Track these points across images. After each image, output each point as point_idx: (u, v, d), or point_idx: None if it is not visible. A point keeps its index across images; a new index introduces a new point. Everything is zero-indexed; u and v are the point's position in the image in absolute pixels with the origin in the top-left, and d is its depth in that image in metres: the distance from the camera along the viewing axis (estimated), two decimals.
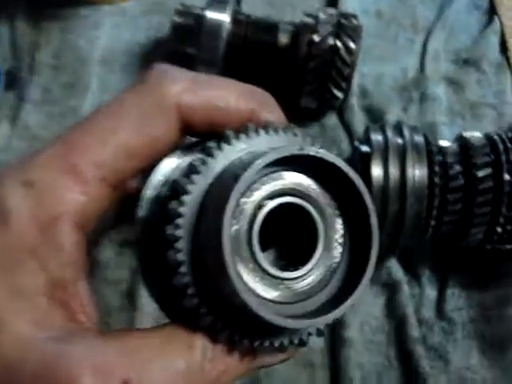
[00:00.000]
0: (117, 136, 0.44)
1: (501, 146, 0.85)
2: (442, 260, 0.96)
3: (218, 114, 0.46)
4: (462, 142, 0.87)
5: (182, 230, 0.41)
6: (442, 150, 0.87)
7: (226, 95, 0.47)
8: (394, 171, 0.83)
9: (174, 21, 0.98)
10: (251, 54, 0.99)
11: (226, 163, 0.43)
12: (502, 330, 0.91)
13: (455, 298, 0.93)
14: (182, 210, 0.41)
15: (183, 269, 0.41)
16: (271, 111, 0.49)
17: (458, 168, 0.85)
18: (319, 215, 0.44)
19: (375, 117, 1.05)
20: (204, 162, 0.42)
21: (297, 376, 0.88)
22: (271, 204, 0.42)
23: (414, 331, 0.90)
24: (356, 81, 1.07)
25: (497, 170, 0.83)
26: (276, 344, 0.44)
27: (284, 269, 0.43)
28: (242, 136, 0.44)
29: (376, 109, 1.07)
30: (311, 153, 0.41)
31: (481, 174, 0.83)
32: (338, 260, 0.45)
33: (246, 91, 0.48)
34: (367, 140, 0.87)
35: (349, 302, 0.41)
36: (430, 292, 0.94)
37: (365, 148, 0.87)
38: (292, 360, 0.87)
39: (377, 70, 1.11)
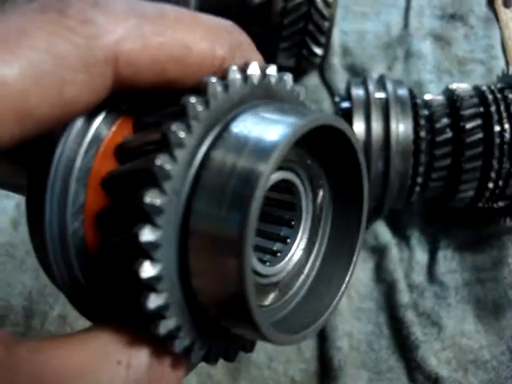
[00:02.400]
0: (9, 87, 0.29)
1: (490, 97, 0.80)
2: (432, 221, 0.92)
3: (171, 68, 0.34)
4: (449, 94, 0.83)
5: (161, 232, 0.31)
6: (428, 103, 0.82)
7: (184, 40, 0.34)
8: (376, 126, 0.78)
9: None
10: (225, 10, 0.94)
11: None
12: (497, 293, 0.87)
13: (447, 261, 0.89)
14: (163, 202, 0.30)
15: (161, 286, 0.31)
16: (247, 55, 0.37)
17: (445, 121, 0.80)
18: (303, 186, 0.38)
19: (358, 76, 1.01)
20: (188, 128, 0.31)
21: (283, 348, 0.84)
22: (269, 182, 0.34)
23: (405, 297, 0.85)
24: (337, 39, 1.03)
25: (486, 121, 0.79)
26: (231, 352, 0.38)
27: (265, 258, 0.37)
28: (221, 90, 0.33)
29: (359, 68, 1.03)
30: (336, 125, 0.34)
31: (469, 125, 0.79)
32: (317, 246, 0.39)
33: (212, 31, 0.35)
34: (348, 95, 0.83)
35: (319, 323, 0.36)
36: (421, 255, 0.90)
37: (345, 103, 0.82)
38: None
39: (359, 28, 1.07)
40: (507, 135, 0.78)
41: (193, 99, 0.31)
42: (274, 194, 0.38)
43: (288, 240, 0.38)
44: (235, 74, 0.33)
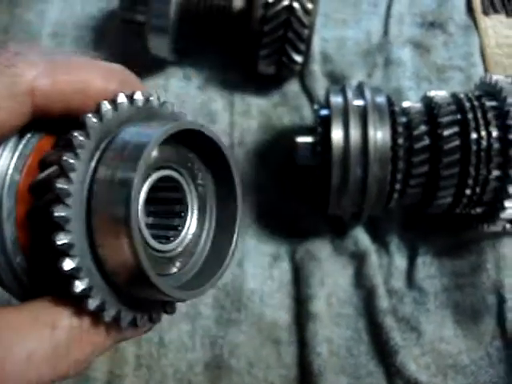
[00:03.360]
0: None
1: (467, 104, 0.81)
2: (411, 227, 0.92)
3: (76, 99, 0.44)
4: (427, 102, 0.84)
5: (71, 210, 0.39)
6: (405, 111, 0.83)
7: (84, 78, 0.44)
8: (354, 134, 0.79)
9: None
10: (205, 19, 0.94)
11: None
12: (476, 299, 0.88)
13: (426, 267, 0.90)
14: (70, 188, 0.39)
15: (74, 252, 0.39)
16: (133, 88, 0.46)
17: (422, 128, 0.81)
18: (187, 183, 0.46)
19: (338, 83, 1.01)
20: (87, 135, 0.41)
21: (263, 353, 0.84)
22: (151, 178, 0.43)
23: (384, 302, 0.86)
24: (317, 46, 1.04)
25: (464, 128, 0.80)
26: (144, 319, 0.45)
27: (162, 241, 0.44)
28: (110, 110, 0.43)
29: (339, 75, 1.03)
30: (194, 127, 0.43)
31: (446, 132, 0.79)
32: (207, 227, 0.48)
33: (106, 71, 0.46)
34: (327, 103, 0.83)
35: (212, 281, 0.44)
36: (400, 261, 0.90)
37: (324, 111, 0.83)
38: (258, 337, 0.85)
39: (339, 35, 1.07)
40: (484, 142, 0.79)
41: (88, 117, 0.41)
42: (164, 194, 0.47)
43: (179, 227, 0.47)
44: (123, 99, 0.43)
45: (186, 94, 1.01)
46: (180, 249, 0.46)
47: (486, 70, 1.06)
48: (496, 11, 1.11)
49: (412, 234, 0.92)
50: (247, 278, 0.88)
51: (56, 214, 0.38)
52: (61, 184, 0.39)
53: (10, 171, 0.43)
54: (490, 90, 0.83)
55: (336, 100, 0.82)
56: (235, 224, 0.47)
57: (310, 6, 0.89)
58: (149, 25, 0.92)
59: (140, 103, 0.44)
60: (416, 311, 0.87)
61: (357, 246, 0.90)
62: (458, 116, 0.80)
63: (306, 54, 0.94)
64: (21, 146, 0.43)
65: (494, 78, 0.83)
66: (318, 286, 0.87)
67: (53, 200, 0.39)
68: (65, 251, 0.39)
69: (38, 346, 0.39)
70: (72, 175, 0.39)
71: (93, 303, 0.40)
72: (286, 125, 0.99)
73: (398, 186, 0.80)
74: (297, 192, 0.93)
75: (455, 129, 0.79)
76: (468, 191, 0.80)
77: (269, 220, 0.92)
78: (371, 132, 0.78)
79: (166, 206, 0.48)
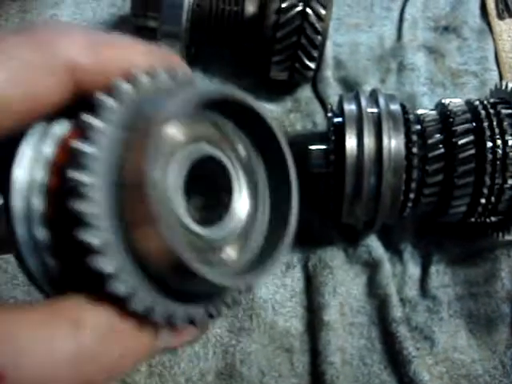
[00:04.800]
0: None
1: (482, 112, 0.80)
2: (425, 236, 0.91)
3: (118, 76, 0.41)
4: (442, 109, 0.83)
5: (95, 176, 0.34)
6: (420, 119, 0.82)
7: (127, 55, 0.42)
8: (368, 142, 0.78)
9: None
10: (217, 25, 0.93)
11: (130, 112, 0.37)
12: (490, 308, 0.87)
13: (440, 275, 0.89)
14: (94, 152, 0.35)
15: (108, 251, 0.34)
16: (176, 63, 0.44)
17: (437, 137, 0.80)
18: (233, 165, 0.41)
19: (351, 89, 1.01)
20: (101, 116, 0.36)
21: (275, 362, 0.84)
22: (191, 157, 0.38)
23: (397, 311, 0.85)
24: (330, 52, 1.03)
25: (479, 137, 0.79)
26: (197, 317, 0.39)
27: (201, 223, 0.38)
28: (146, 78, 0.39)
29: (352, 80, 1.02)
30: (235, 96, 0.38)
31: (461, 141, 0.78)
32: (258, 215, 0.41)
33: (148, 50, 0.43)
34: (340, 110, 0.82)
35: (270, 263, 0.38)
36: (413, 269, 0.89)
37: (338, 119, 0.82)
38: (270, 346, 0.84)
39: (352, 40, 1.07)
40: (499, 151, 0.78)
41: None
42: (204, 172, 0.41)
43: (225, 209, 0.41)
44: (158, 72, 0.40)
45: None
46: (229, 233, 0.40)
47: (500, 74, 1.05)
48: (511, 15, 1.10)
49: (425, 243, 0.91)
50: (259, 287, 0.88)
51: (78, 209, 0.34)
52: (77, 173, 0.34)
53: (44, 149, 0.38)
54: (506, 98, 0.82)
55: (350, 108, 0.81)
56: (290, 201, 0.41)
57: (323, 11, 0.88)
58: (161, 31, 0.91)
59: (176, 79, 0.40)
60: (429, 320, 0.87)
61: (370, 255, 0.89)
62: (474, 124, 0.80)
63: (319, 60, 0.93)
64: (54, 124, 0.39)
65: (510, 85, 0.82)
66: (331, 294, 0.86)
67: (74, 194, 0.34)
68: (98, 250, 0.34)
69: (58, 346, 0.34)
70: (92, 164, 0.35)
71: (139, 304, 0.35)
72: (299, 131, 0.98)
73: (412, 195, 0.80)
74: (309, 200, 0.92)
75: (470, 137, 0.79)
76: (483, 200, 0.80)
77: None
78: (385, 140, 0.77)
79: (211, 185, 0.42)
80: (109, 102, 0.37)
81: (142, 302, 0.35)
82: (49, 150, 0.38)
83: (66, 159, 0.36)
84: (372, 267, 0.89)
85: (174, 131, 0.38)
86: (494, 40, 1.08)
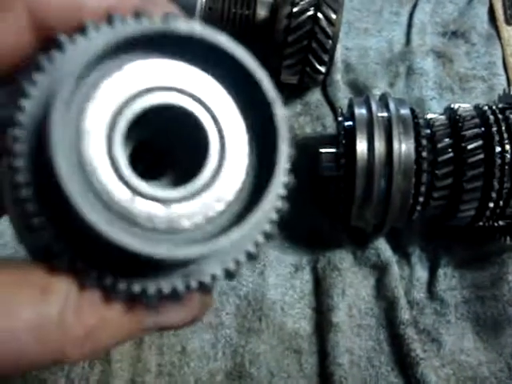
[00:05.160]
0: None
1: (491, 117, 0.81)
2: (433, 239, 0.92)
3: (83, 11, 0.36)
4: (451, 114, 0.84)
5: (20, 144, 0.31)
6: (429, 123, 0.83)
7: None
8: (379, 146, 0.79)
9: None
10: (228, 28, 0.94)
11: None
12: (497, 311, 0.88)
13: (447, 278, 0.90)
14: (20, 118, 0.31)
15: (26, 192, 0.31)
16: (161, 7, 0.37)
17: (446, 141, 0.81)
18: (210, 117, 0.35)
19: (360, 92, 1.02)
20: (49, 58, 0.32)
21: (284, 363, 0.85)
22: (136, 106, 0.33)
23: (405, 314, 0.86)
24: (340, 56, 1.04)
25: (488, 141, 0.79)
26: (165, 289, 0.34)
27: (167, 188, 0.34)
28: (104, 26, 0.33)
29: (361, 84, 1.03)
30: (180, 29, 0.32)
31: (471, 146, 0.79)
32: (242, 176, 0.35)
33: None
34: (351, 114, 0.83)
35: (253, 220, 0.32)
36: (421, 272, 0.90)
37: (348, 123, 0.83)
38: (279, 347, 0.85)
39: (361, 44, 1.08)
40: (508, 156, 0.79)
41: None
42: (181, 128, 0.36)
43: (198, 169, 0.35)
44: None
45: None
46: (193, 192, 0.34)
47: (508, 79, 1.06)
48: None
49: (433, 246, 0.92)
50: (269, 288, 0.88)
51: (14, 181, 0.31)
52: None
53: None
54: None
55: (360, 112, 0.82)
56: (278, 150, 0.34)
57: (333, 16, 0.89)
58: None
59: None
60: (437, 323, 0.87)
61: (378, 258, 0.90)
62: (482, 129, 0.80)
63: (329, 64, 0.94)
64: None
65: None
66: (340, 296, 0.87)
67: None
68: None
69: (19, 310, 0.31)
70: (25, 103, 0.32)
71: (90, 278, 0.32)
72: (308, 134, 0.99)
73: (421, 199, 0.80)
74: (319, 203, 0.93)
75: (479, 142, 0.79)
76: (491, 204, 0.80)
77: (291, 230, 0.92)
78: (396, 145, 0.78)
79: (185, 142, 0.37)
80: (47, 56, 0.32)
81: (92, 277, 0.33)
82: None
83: None
84: (380, 270, 0.90)
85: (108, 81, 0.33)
86: (501, 45, 1.09)
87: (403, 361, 0.84)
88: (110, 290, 0.33)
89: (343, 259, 0.90)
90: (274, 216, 0.36)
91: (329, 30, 0.89)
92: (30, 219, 0.32)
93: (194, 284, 0.34)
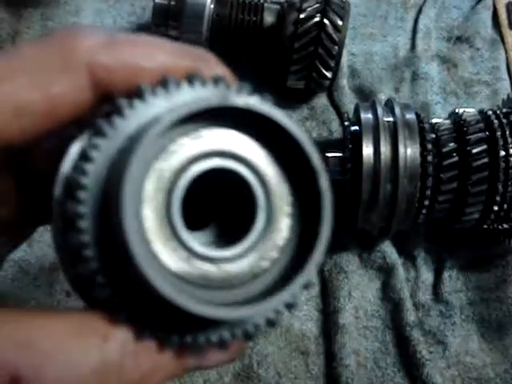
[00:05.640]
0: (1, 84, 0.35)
1: (495, 122, 0.82)
2: (438, 242, 0.93)
3: (143, 75, 0.38)
4: (456, 119, 0.85)
5: (84, 205, 0.33)
6: (434, 128, 0.84)
7: (152, 52, 0.38)
8: (385, 150, 0.80)
9: (155, 2, 0.95)
10: (236, 34, 0.96)
11: (141, 123, 0.35)
12: (502, 313, 0.89)
13: (453, 281, 0.91)
14: (84, 181, 0.33)
15: (88, 252, 0.33)
16: (212, 68, 0.40)
17: (451, 145, 0.82)
18: (258, 181, 0.37)
19: (366, 97, 1.03)
20: (111, 123, 0.34)
21: (291, 364, 0.86)
22: (195, 169, 0.35)
23: (411, 315, 0.87)
24: (346, 61, 1.05)
25: (492, 146, 0.81)
26: (214, 339, 0.37)
27: (218, 247, 0.36)
28: (160, 91, 0.36)
29: (367, 89, 1.04)
30: (237, 104, 0.34)
31: (475, 150, 0.80)
32: (285, 235, 0.37)
33: (179, 49, 0.40)
34: (357, 119, 0.84)
35: (298, 281, 0.35)
36: (426, 275, 0.91)
37: (354, 127, 0.84)
38: (286, 348, 0.86)
39: (367, 50, 1.09)
40: None
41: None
42: (225, 190, 0.39)
43: (245, 229, 0.37)
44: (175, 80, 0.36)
45: None
46: (244, 255, 0.37)
47: None
48: None
49: (438, 248, 0.93)
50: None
51: (76, 241, 0.33)
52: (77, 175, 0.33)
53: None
54: None
55: (366, 116, 0.83)
56: (311, 255, 0.36)
57: (340, 22, 0.90)
58: (181, 39, 0.93)
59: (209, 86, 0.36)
60: (442, 324, 0.88)
61: (384, 260, 0.91)
62: (487, 133, 0.82)
63: (335, 70, 0.95)
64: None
65: None
66: (346, 298, 0.88)
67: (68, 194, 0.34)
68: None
69: (83, 357, 0.34)
70: (88, 167, 0.34)
71: (146, 330, 0.35)
72: (314, 138, 1.00)
73: (426, 202, 0.82)
74: None
75: (484, 146, 0.81)
76: (496, 207, 0.82)
77: None
78: (401, 149, 0.79)
79: (233, 206, 0.39)
80: (105, 122, 0.35)
81: (148, 330, 0.35)
82: None
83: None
84: (386, 272, 0.91)
85: (174, 147, 0.35)
86: (505, 50, 1.10)
87: (409, 362, 0.85)
88: (163, 341, 0.36)
89: (349, 262, 0.91)
90: (315, 274, 0.38)
91: (335, 35, 0.90)
92: (92, 277, 0.34)
93: (239, 333, 0.37)
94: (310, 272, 0.35)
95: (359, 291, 0.90)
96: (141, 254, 0.31)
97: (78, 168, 0.34)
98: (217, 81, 0.37)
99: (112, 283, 0.34)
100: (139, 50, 0.38)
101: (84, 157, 0.34)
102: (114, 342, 0.35)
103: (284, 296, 0.34)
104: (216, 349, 0.38)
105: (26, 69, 0.36)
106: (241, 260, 0.36)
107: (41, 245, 0.89)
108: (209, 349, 0.38)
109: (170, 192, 0.34)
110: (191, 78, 0.36)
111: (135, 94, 0.36)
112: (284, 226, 0.37)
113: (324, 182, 0.36)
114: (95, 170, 0.34)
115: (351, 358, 0.85)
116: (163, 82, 0.36)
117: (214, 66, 0.40)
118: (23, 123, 0.36)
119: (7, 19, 1.08)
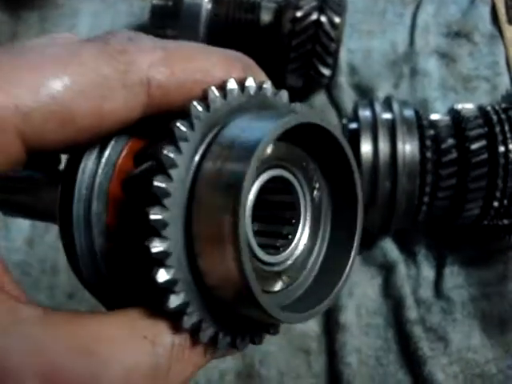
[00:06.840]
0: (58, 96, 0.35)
1: (494, 117, 0.82)
2: (439, 238, 0.93)
3: (195, 89, 0.38)
4: (455, 115, 0.85)
5: (169, 212, 0.34)
6: (433, 124, 0.84)
7: (203, 66, 0.38)
8: (383, 147, 0.80)
9: (152, 2, 0.95)
10: (233, 33, 0.96)
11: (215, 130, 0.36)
12: (503, 308, 0.89)
13: (454, 277, 0.91)
14: (169, 187, 0.34)
15: (170, 262, 0.34)
16: (255, 74, 0.41)
17: (450, 141, 0.82)
18: (301, 186, 0.40)
19: (365, 94, 1.03)
20: (191, 126, 0.35)
21: (293, 363, 0.86)
22: (262, 179, 0.37)
23: (412, 312, 0.87)
24: (344, 58, 1.05)
25: (491, 141, 0.80)
26: (256, 338, 0.40)
27: (269, 251, 0.38)
28: (220, 99, 0.37)
29: (366, 86, 1.04)
30: (318, 122, 0.36)
31: (474, 146, 0.80)
32: (320, 239, 0.41)
33: (226, 58, 0.40)
34: (355, 116, 0.84)
35: (338, 287, 0.39)
36: (427, 271, 0.91)
37: (353, 125, 0.84)
38: (288, 347, 0.86)
39: (365, 46, 1.09)
40: (511, 155, 0.80)
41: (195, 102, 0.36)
42: (274, 197, 0.41)
43: (289, 236, 0.40)
44: (233, 85, 0.37)
45: None
46: (289, 262, 0.40)
47: (511, 78, 1.07)
48: None
49: (439, 245, 0.93)
50: None
51: (152, 218, 0.33)
52: (159, 182, 0.33)
53: (100, 172, 0.38)
54: None
55: (364, 114, 0.83)
56: (353, 239, 0.40)
57: (337, 19, 0.90)
58: (179, 39, 0.93)
59: (252, 91, 0.38)
60: (444, 321, 0.88)
61: (385, 257, 0.91)
62: (486, 129, 0.81)
63: (334, 67, 0.95)
64: (108, 149, 0.38)
65: None
66: (347, 296, 0.88)
67: (148, 201, 0.34)
68: (160, 260, 0.34)
69: (137, 362, 0.34)
70: (172, 172, 0.34)
71: (188, 321, 0.35)
72: None
73: (426, 199, 0.81)
74: None
75: (483, 142, 0.80)
76: (496, 203, 0.81)
77: None
78: (400, 146, 0.79)
79: (276, 211, 0.41)
80: (182, 128, 0.35)
81: (191, 321, 0.36)
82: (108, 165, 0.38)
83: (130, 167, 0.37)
84: (387, 269, 0.91)
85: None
86: (504, 45, 1.09)
87: (411, 359, 0.85)
88: (214, 345, 0.38)
89: None
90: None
91: (332, 33, 0.90)
92: (167, 287, 0.35)
93: (257, 340, 0.40)
94: (342, 286, 0.39)
95: (360, 289, 0.90)
96: (255, 285, 0.33)
97: (159, 174, 0.34)
98: (260, 87, 0.39)
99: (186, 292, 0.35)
100: (195, 66, 0.38)
101: (167, 161, 0.34)
102: (161, 347, 0.35)
103: (330, 302, 0.38)
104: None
105: (84, 76, 0.35)
106: (291, 269, 0.40)
107: (42, 247, 0.89)
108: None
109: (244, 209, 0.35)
110: (243, 85, 0.38)
111: (203, 98, 0.37)
112: (320, 236, 0.41)
113: (360, 194, 0.40)
114: (178, 175, 0.34)
115: (353, 355, 0.85)
116: (224, 90, 0.37)
117: (257, 72, 0.42)
118: (66, 133, 0.35)
119: (6, 21, 1.08)
